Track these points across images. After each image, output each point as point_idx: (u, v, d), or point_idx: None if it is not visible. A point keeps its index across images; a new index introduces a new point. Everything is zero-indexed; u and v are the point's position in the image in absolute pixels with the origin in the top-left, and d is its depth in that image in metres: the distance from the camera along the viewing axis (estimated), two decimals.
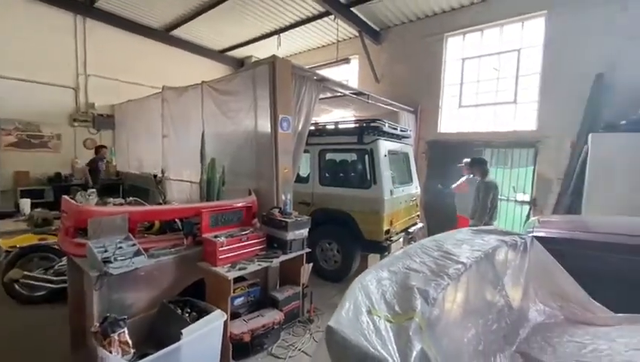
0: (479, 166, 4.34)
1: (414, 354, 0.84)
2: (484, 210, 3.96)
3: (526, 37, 6.02)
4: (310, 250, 3.35)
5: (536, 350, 1.37)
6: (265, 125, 3.57)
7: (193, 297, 2.53)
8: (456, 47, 6.87)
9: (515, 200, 6.08)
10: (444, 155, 6.84)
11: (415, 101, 7.09)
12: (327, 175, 4.88)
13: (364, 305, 0.93)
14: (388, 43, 7.67)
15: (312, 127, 4.88)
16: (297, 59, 8.33)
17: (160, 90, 5.52)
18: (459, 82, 6.86)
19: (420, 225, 5.58)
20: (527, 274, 1.80)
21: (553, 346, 1.41)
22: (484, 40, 6.52)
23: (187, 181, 4.92)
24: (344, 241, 4.47)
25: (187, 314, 2.29)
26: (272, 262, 2.87)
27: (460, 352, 1.18)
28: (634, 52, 4.89)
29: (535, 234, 3.25)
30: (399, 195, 4.63)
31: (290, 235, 2.97)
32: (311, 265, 3.45)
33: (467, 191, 5.03)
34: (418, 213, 5.72)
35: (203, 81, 4.46)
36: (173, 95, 5.23)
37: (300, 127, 3.90)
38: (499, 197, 4.37)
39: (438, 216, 6.67)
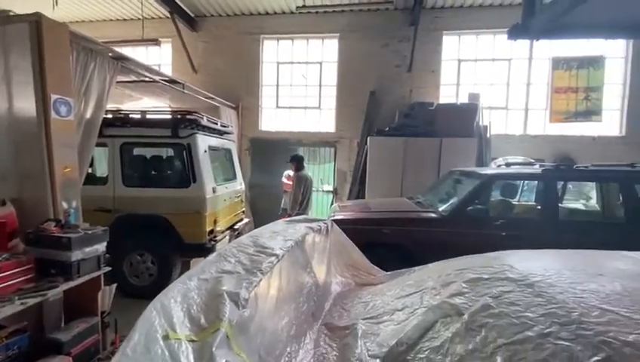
0: (296, 161, 4.83)
1: None
2: (296, 200, 4.44)
3: (326, 52, 7.14)
4: (111, 268, 2.71)
5: (336, 318, 1.62)
6: (27, 108, 2.58)
7: None
8: (272, 51, 7.33)
9: (323, 191, 7.18)
10: (266, 152, 7.20)
11: (236, 97, 7.09)
12: (133, 174, 4.12)
13: (160, 330, 0.79)
14: (205, 32, 7.27)
15: (110, 115, 3.98)
16: (85, 29, 6.56)
17: None
18: (275, 84, 7.36)
19: (245, 220, 5.65)
20: (329, 253, 2.11)
21: (348, 310, 1.71)
22: (295, 48, 7.26)
23: None
24: (159, 250, 3.91)
25: None
26: (46, 295, 2.12)
27: (275, 342, 1.23)
28: (393, 78, 6.72)
29: (336, 217, 3.97)
30: (223, 193, 4.49)
31: (75, 255, 2.28)
32: (114, 286, 2.80)
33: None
34: (244, 208, 5.77)
35: None
36: None
37: (88, 114, 3.07)
38: (312, 189, 5.00)
39: (265, 211, 6.99)
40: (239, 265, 1.27)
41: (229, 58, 7.19)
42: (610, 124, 6.30)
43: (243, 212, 5.69)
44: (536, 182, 3.92)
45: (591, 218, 3.96)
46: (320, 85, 7.19)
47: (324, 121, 7.22)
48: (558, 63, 6.27)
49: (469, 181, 3.83)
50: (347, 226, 3.71)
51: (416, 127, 5.92)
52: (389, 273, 2.18)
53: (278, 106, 7.40)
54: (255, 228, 7.12)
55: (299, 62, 7.26)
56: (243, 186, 5.69)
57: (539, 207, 3.80)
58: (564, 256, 1.66)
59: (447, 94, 6.74)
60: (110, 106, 4.40)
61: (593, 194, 4.00)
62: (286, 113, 7.41)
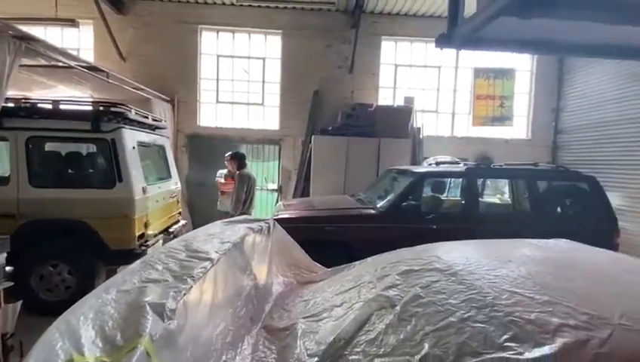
0: (237, 159, 4.64)
1: None
2: (239, 200, 4.29)
3: (270, 49, 7.01)
4: (13, 283, 2.32)
5: (276, 319, 1.59)
6: None
7: None
8: (212, 42, 6.96)
9: (268, 189, 7.06)
10: (206, 149, 6.83)
11: (171, 90, 6.58)
12: (44, 173, 3.58)
13: (62, 355, 0.67)
14: (135, 16, 6.61)
15: (12, 104, 3.40)
16: None
17: None
18: (215, 77, 7.01)
19: (182, 222, 5.28)
20: (270, 254, 2.07)
21: (289, 310, 1.69)
22: (236, 42, 6.99)
23: None
24: (78, 259, 3.46)
25: None
26: None
27: (208, 352, 1.16)
28: (336, 78, 6.86)
29: (280, 216, 3.93)
30: (155, 193, 4.14)
31: None
32: (19, 303, 2.40)
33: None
34: (180, 210, 5.40)
35: None
36: None
37: None
38: (255, 187, 4.86)
39: (205, 212, 6.61)
40: (167, 273, 1.16)
41: (163, 47, 6.64)
42: (519, 128, 7.26)
43: (179, 213, 5.32)
44: (460, 179, 4.33)
45: (504, 210, 4.52)
46: (263, 82, 7.04)
47: (268, 118, 7.09)
48: (479, 73, 7.03)
49: (404, 179, 4.08)
50: (291, 225, 3.72)
51: (358, 127, 6.14)
52: (330, 269, 2.21)
53: (218, 101, 7.07)
54: (194, 229, 6.69)
55: (240, 57, 7.01)
56: (179, 186, 5.32)
57: (463, 202, 4.21)
58: (482, 245, 1.85)
59: (386, 96, 7.10)
60: (14, 93, 3.77)
61: (506, 189, 4.56)
62: (227, 109, 7.11)
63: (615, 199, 5.10)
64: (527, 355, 0.88)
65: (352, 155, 6.06)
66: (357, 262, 2.12)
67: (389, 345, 1.12)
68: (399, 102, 6.83)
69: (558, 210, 4.06)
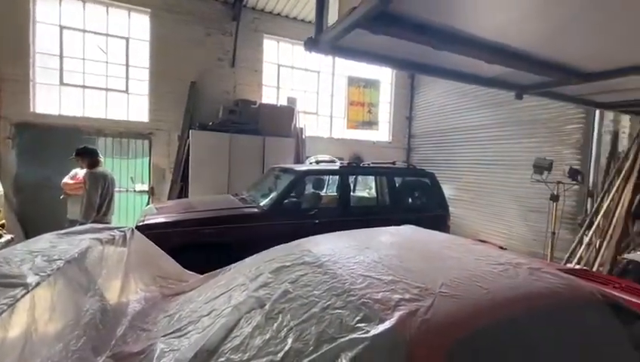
0: (87, 156, 3.80)
1: None
2: (91, 205, 3.54)
3: (134, 28, 6.05)
4: None
5: (130, 343, 1.36)
6: None
7: None
8: (52, 11, 5.53)
9: (135, 191, 6.11)
10: (44, 143, 5.39)
11: None
12: None
13: None
14: None
15: None
16: None
17: None
18: (58, 53, 5.61)
19: (6, 237, 4.04)
20: (127, 267, 1.77)
21: (148, 329, 1.48)
22: (88, 14, 5.76)
23: None
24: None
25: None
26: None
27: None
28: (216, 71, 6.45)
29: (148, 221, 3.44)
30: None
31: None
32: None
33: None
34: (3, 221, 4.13)
35: None
36: None
37: None
38: (114, 189, 4.09)
39: (46, 222, 5.20)
40: None
41: None
42: (383, 132, 8.43)
43: (2, 226, 4.06)
44: (337, 176, 4.72)
45: (370, 203, 5.16)
46: (127, 65, 6.03)
47: (134, 108, 6.12)
48: (352, 81, 7.83)
49: (286, 177, 4.18)
50: (164, 230, 3.34)
51: (241, 124, 5.96)
52: (204, 276, 2.05)
53: (63, 83, 5.68)
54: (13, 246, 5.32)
55: (95, 32, 5.82)
56: (1, 191, 4.05)
57: (339, 197, 4.60)
58: (348, 235, 2.03)
59: (269, 95, 7.12)
60: None
61: (372, 184, 5.23)
62: (77, 94, 5.79)
63: (449, 190, 6.51)
64: (373, 332, 1.00)
65: (236, 153, 5.85)
66: (233, 265, 2.04)
67: (255, 347, 1.10)
68: (283, 101, 6.95)
69: (410, 200, 4.90)
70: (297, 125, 6.77)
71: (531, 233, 5.39)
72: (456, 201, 6.77)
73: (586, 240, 4.44)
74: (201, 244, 3.40)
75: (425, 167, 5.52)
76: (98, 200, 3.61)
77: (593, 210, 4.54)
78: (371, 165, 4.89)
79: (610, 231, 4.18)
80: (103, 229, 1.80)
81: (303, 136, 6.86)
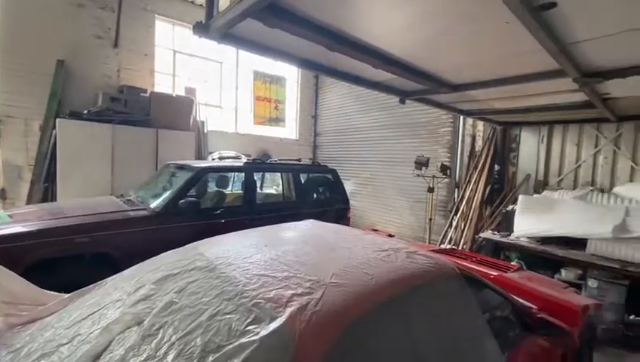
0: None
1: None
2: None
3: None
4: None
5: None
6: None
7: None
8: None
9: None
10: None
11: None
12: None
13: None
14: None
15: None
16: None
17: None
18: None
19: None
20: None
21: None
22: None
23: None
24: None
25: None
26: None
27: None
28: (93, 51, 5.45)
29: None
30: None
31: None
32: None
33: None
34: None
35: None
36: None
37: None
38: None
39: None
40: None
41: None
42: (290, 129, 8.53)
43: None
44: (241, 173, 4.54)
45: (277, 199, 5.16)
46: None
47: None
48: (258, 76, 7.66)
49: (183, 174, 3.82)
50: (20, 243, 2.65)
51: (128, 113, 5.19)
52: (68, 296, 1.69)
53: None
54: None
55: None
56: None
57: (245, 195, 4.45)
58: (248, 234, 1.95)
59: (164, 83, 6.40)
60: None
61: (279, 181, 5.23)
62: None
63: (350, 186, 7.00)
64: (262, 333, 0.97)
65: (122, 148, 5.07)
66: (110, 278, 1.74)
67: None
68: (179, 91, 6.34)
69: (314, 196, 5.07)
70: (198, 118, 6.28)
71: (417, 221, 6.23)
72: (357, 195, 7.34)
73: (454, 223, 5.37)
74: (73, 257, 2.84)
75: (329, 164, 5.80)
76: None
77: (459, 198, 5.51)
78: (277, 162, 4.88)
79: (470, 215, 5.15)
80: None
81: (205, 130, 6.41)
